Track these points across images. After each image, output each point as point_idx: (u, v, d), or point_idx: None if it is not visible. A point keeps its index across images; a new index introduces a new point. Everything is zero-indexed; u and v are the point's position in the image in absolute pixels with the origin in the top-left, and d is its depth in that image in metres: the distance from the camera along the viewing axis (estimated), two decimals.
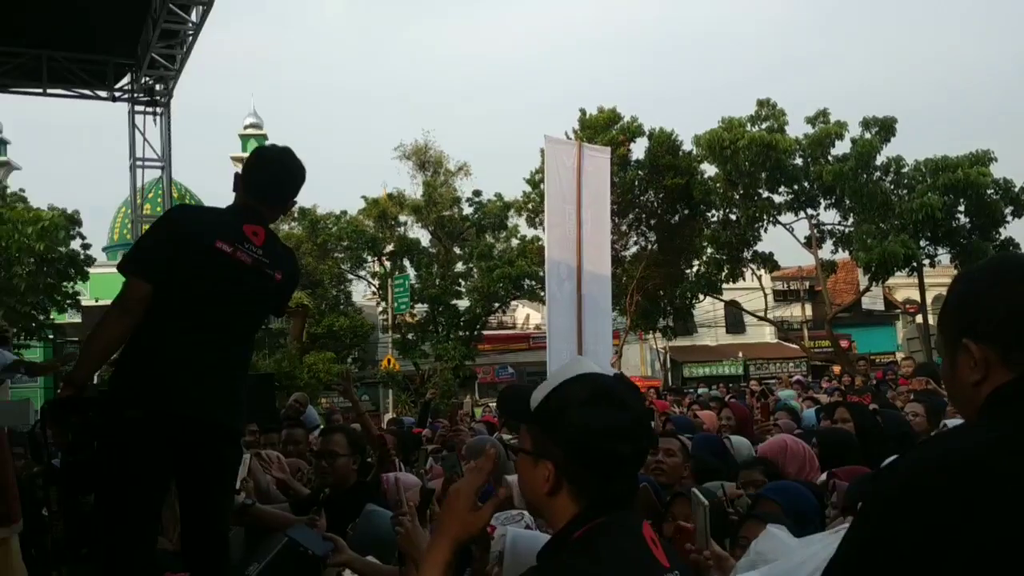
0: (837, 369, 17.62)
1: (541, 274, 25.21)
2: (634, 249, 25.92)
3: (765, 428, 6.10)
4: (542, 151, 19.87)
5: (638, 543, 1.46)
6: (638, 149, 24.79)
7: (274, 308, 3.10)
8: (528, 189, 26.23)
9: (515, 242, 29.38)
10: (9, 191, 25.70)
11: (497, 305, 30.25)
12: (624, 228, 25.04)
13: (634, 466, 1.54)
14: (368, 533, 3.28)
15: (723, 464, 4.25)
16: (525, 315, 37.23)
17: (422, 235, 30.35)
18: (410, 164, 29.96)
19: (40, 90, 9.00)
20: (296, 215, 27.15)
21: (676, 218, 25.46)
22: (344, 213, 29.32)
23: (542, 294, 26.66)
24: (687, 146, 24.73)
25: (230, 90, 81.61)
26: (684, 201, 24.74)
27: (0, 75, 8.69)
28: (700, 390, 20.49)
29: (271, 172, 2.99)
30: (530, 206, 26.04)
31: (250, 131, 47.41)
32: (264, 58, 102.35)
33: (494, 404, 24.84)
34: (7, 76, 8.73)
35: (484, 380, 34.54)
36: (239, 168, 3.12)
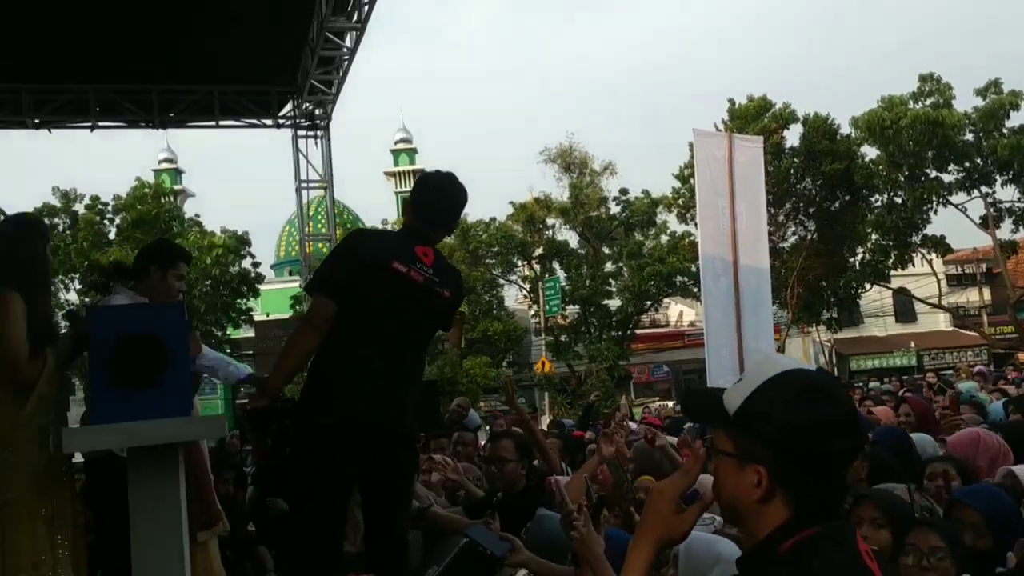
0: (1023, 357, 16.33)
1: (694, 270, 24.92)
2: (793, 239, 25.12)
3: (953, 422, 5.56)
4: (690, 145, 19.55)
5: (854, 558, 1.36)
6: (792, 136, 24.06)
7: (443, 323, 3.29)
8: (677, 185, 25.85)
9: (665, 239, 28.96)
10: (186, 217, 27.75)
11: (649, 303, 29.93)
12: (781, 218, 24.27)
13: (846, 464, 1.46)
14: (541, 537, 3.33)
15: (903, 463, 3.98)
16: (679, 312, 36.60)
17: (570, 237, 30.46)
18: (555, 167, 30.12)
19: (213, 123, 9.71)
20: None
21: (836, 205, 24.51)
22: (493, 219, 29.81)
23: (696, 290, 26.16)
24: (844, 129, 23.81)
25: (379, 107, 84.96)
26: (844, 187, 23.76)
27: (178, 112, 9.44)
28: (871, 384, 19.47)
29: (436, 197, 3.19)
30: (680, 202, 25.65)
31: (401, 145, 48.99)
32: (409, 74, 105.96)
33: (653, 404, 24.62)
34: (184, 113, 9.47)
35: (639, 380, 34.23)
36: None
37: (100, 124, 9.39)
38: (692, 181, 17.55)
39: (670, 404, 23.54)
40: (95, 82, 8.94)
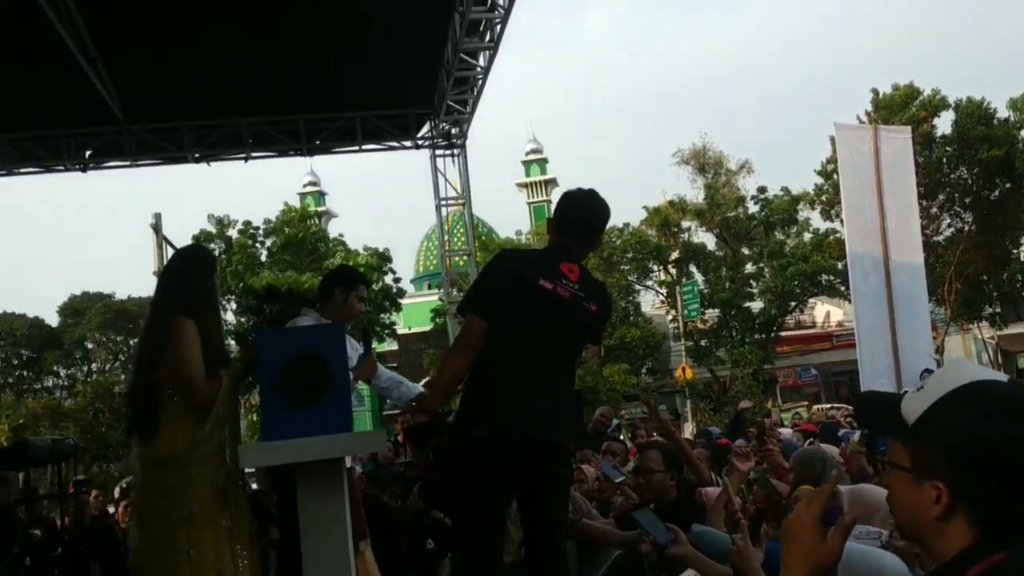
0: None
1: (841, 268, 23.95)
2: (948, 232, 23.79)
3: None
4: (832, 139, 18.84)
5: None
6: (943, 124, 22.79)
7: (591, 337, 3.34)
8: (820, 181, 24.94)
9: (808, 236, 27.99)
10: (331, 237, 29.04)
11: (793, 304, 29.01)
12: (934, 211, 23.04)
13: None
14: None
15: None
16: (825, 312, 35.23)
17: (707, 239, 29.91)
18: (689, 168, 29.65)
19: (356, 147, 10.16)
20: None
21: (996, 193, 23.08)
22: (627, 225, 29.63)
23: (843, 289, 25.14)
24: (1002, 113, 22.39)
25: (507, 119, 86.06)
26: (1004, 174, 22.33)
27: (323, 139, 9.94)
28: None
29: (578, 214, 3.25)
30: (823, 198, 24.73)
31: (532, 156, 49.48)
32: (536, 83, 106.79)
33: (800, 410, 23.78)
34: (329, 139, 9.96)
35: (785, 384, 33.14)
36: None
37: (253, 155, 10.01)
38: (836, 177, 16.93)
39: (823, 407, 22.65)
40: (248, 116, 9.55)
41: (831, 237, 25.56)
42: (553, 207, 3.41)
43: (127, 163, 9.83)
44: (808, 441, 7.42)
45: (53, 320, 42.84)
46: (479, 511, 3.02)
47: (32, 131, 9.27)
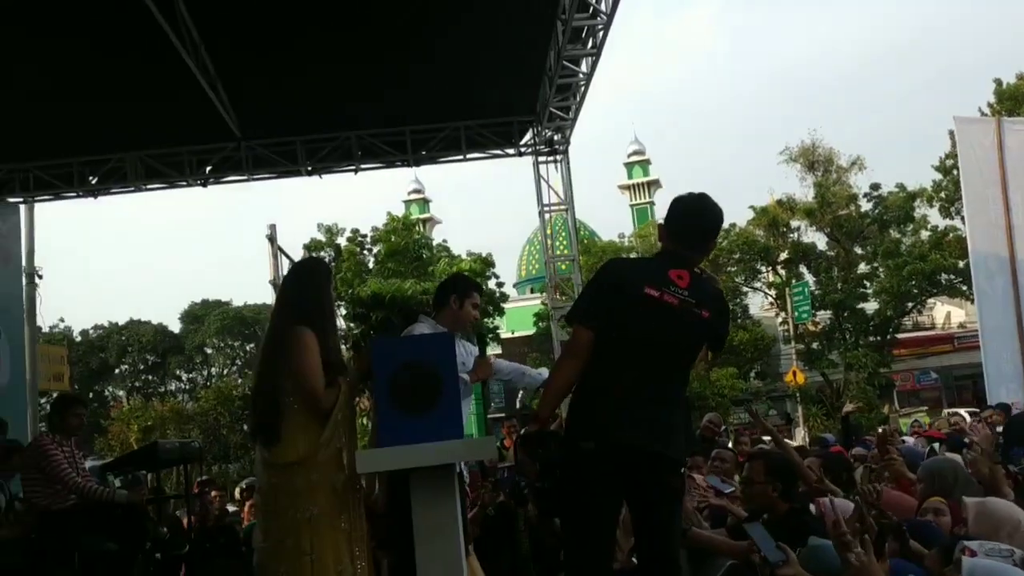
0: None
1: (962, 267, 22.86)
2: None
3: None
4: (951, 133, 18.02)
5: None
6: None
7: (712, 344, 3.30)
8: (938, 177, 23.85)
9: (926, 235, 26.81)
10: (435, 243, 29.58)
11: (911, 305, 27.87)
12: None
13: None
14: (809, 568, 3.23)
15: None
16: (946, 313, 33.68)
17: (817, 239, 29.03)
18: (798, 166, 28.84)
19: (460, 156, 10.33)
20: None
21: None
22: (733, 225, 29.05)
23: (964, 289, 23.99)
24: None
25: (609, 121, 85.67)
26: None
27: (428, 150, 10.15)
28: None
29: (689, 219, 3.22)
30: (942, 195, 23.64)
31: (634, 158, 49.10)
32: (638, 85, 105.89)
33: (919, 416, 22.76)
34: (434, 149, 10.17)
35: (903, 388, 31.84)
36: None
37: (362, 167, 10.30)
38: (955, 172, 16.19)
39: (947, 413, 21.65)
40: (357, 129, 9.86)
41: (951, 235, 24.41)
42: (657, 209, 3.40)
43: (244, 177, 10.28)
44: (930, 449, 7.12)
45: (175, 326, 45.14)
46: (586, 520, 3.03)
47: (157, 149, 9.83)
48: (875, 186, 27.63)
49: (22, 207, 10.19)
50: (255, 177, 10.31)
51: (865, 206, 27.95)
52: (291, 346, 3.32)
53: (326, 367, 3.33)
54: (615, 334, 3.04)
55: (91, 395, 39.63)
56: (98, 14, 6.89)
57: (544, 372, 4.39)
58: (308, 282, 3.53)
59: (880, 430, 7.24)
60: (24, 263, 10.39)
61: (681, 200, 3.27)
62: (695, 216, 3.22)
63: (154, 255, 79.79)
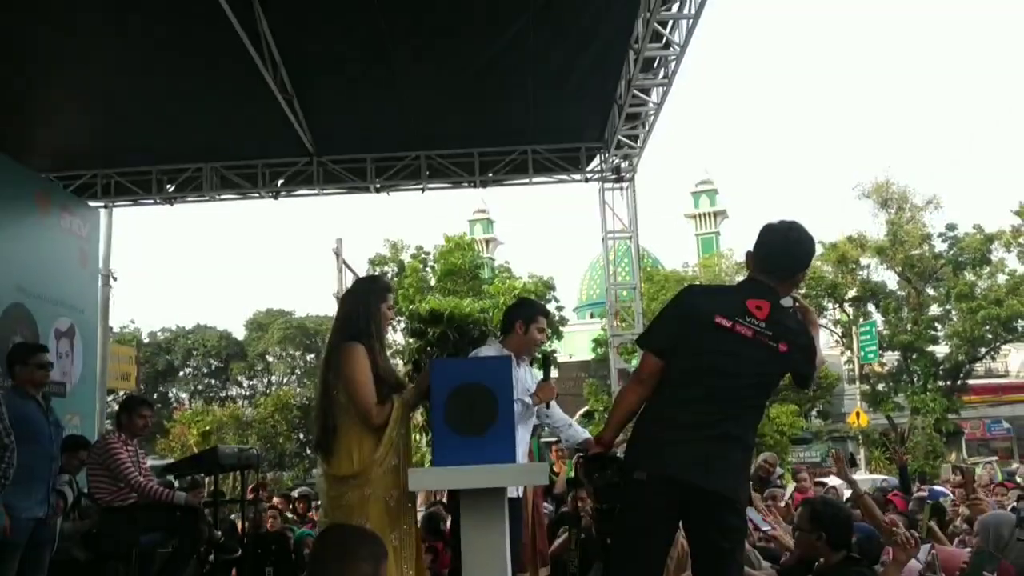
0: None
1: None
2: None
3: None
4: None
5: None
6: None
7: (794, 380, 3.15)
8: (1017, 221, 23.15)
9: (1003, 279, 25.95)
10: (496, 264, 29.76)
11: (984, 351, 26.92)
12: None
13: None
14: None
15: None
16: (1021, 361, 32.44)
17: (888, 277, 28.34)
18: (870, 203, 28.25)
19: (527, 180, 10.39)
20: None
21: None
22: None
23: None
24: None
25: (677, 149, 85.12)
26: None
27: (495, 172, 10.23)
28: None
29: (776, 248, 3.08)
30: (1021, 240, 22.91)
31: (701, 187, 48.67)
32: (707, 113, 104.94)
33: (990, 464, 21.91)
34: (501, 172, 10.25)
35: (972, 436, 30.73)
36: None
37: (430, 187, 10.44)
38: None
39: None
40: (426, 149, 10.00)
41: None
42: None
43: (315, 192, 10.50)
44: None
45: (240, 333, 46.17)
46: (634, 545, 2.99)
47: (233, 161, 10.12)
48: (951, 226, 26.95)
49: (102, 211, 10.57)
50: (325, 192, 10.53)
51: (939, 246, 27.26)
52: (342, 361, 3.40)
53: (378, 384, 3.39)
54: (682, 363, 2.98)
55: (155, 396, 40.72)
56: (184, 32, 7.16)
57: (586, 433, 4.41)
58: (360, 301, 3.61)
59: (969, 469, 7.00)
60: (101, 265, 10.76)
61: (770, 228, 3.12)
62: (783, 245, 3.07)
63: (224, 263, 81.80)
